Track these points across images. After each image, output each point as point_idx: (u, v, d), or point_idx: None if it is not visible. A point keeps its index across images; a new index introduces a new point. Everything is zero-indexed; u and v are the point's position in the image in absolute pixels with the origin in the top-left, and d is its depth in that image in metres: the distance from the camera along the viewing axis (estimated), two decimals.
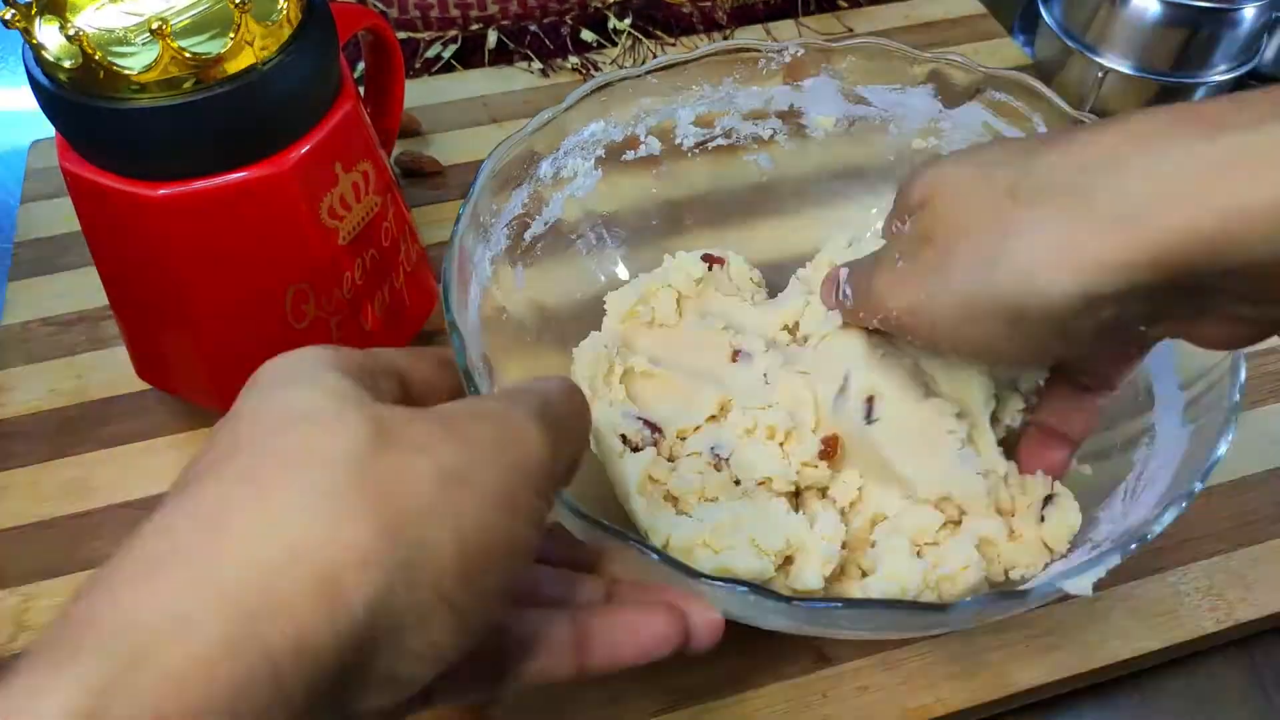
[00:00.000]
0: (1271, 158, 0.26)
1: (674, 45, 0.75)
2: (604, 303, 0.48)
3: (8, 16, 0.37)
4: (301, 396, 0.26)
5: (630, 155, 0.50)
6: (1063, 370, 0.39)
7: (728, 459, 0.41)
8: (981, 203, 0.32)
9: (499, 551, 0.25)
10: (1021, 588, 0.32)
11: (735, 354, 0.45)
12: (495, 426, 0.26)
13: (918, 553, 0.39)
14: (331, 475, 0.24)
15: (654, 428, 0.42)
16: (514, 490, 0.26)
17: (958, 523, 0.40)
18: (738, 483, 0.41)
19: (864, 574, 0.40)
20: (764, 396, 0.43)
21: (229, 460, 0.24)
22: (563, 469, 0.28)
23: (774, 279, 0.51)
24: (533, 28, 0.73)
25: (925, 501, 0.40)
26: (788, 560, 0.39)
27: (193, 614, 0.21)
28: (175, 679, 0.20)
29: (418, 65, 0.72)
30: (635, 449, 0.42)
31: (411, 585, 0.23)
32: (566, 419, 0.29)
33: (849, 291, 0.39)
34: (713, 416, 0.43)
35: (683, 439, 0.43)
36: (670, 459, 0.42)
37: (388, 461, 0.24)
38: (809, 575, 0.38)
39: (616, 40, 0.74)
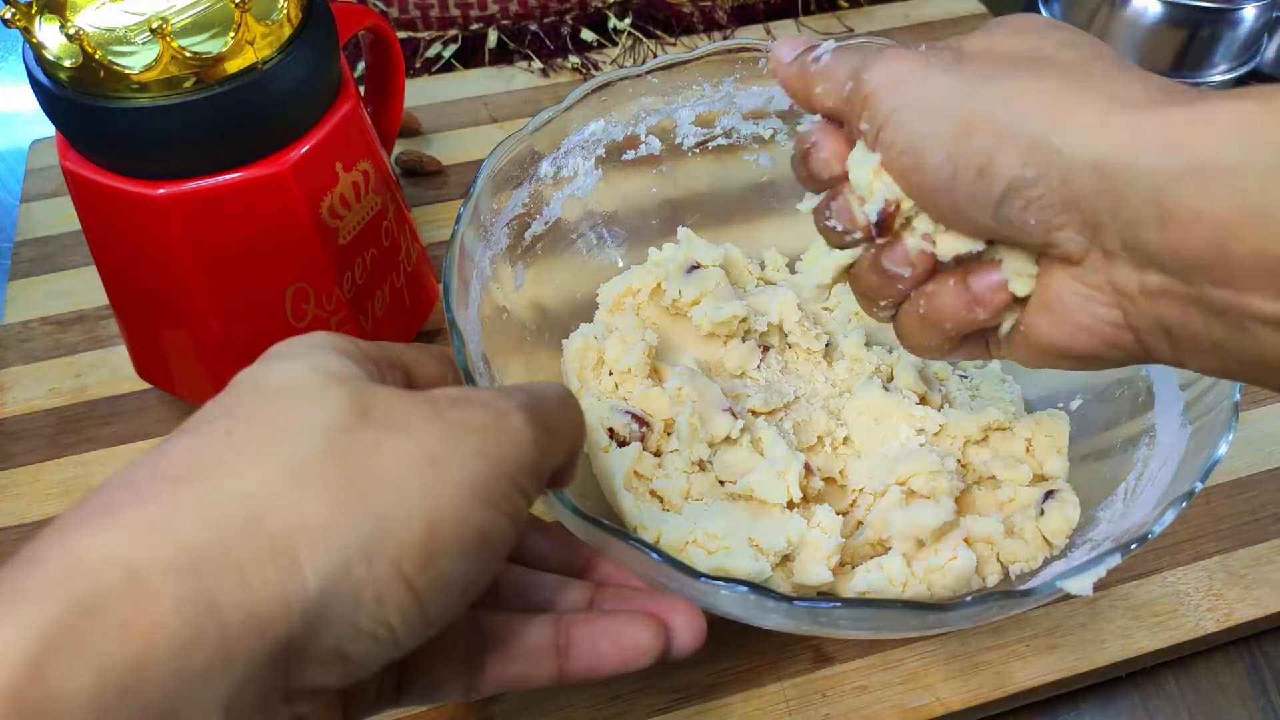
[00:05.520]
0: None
1: (674, 45, 0.75)
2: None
3: (8, 15, 0.37)
4: (292, 369, 0.26)
5: (630, 155, 0.50)
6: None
7: (710, 461, 0.41)
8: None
9: (469, 539, 0.25)
10: (1022, 588, 0.32)
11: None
12: (481, 414, 0.26)
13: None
14: (305, 445, 0.24)
15: (642, 421, 0.42)
16: (492, 479, 0.25)
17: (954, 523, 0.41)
18: (723, 483, 0.41)
19: (851, 567, 0.40)
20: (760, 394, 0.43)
21: (208, 423, 0.25)
22: (549, 469, 0.28)
23: (775, 279, 0.51)
24: (533, 27, 0.73)
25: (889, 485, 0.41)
26: (785, 558, 0.39)
27: (144, 565, 0.21)
28: (121, 631, 0.20)
29: (418, 65, 0.72)
30: (622, 443, 0.42)
31: (371, 562, 0.23)
32: (558, 420, 0.29)
33: (826, 59, 0.31)
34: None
35: (669, 433, 0.43)
36: (657, 453, 0.42)
37: (365, 436, 0.24)
38: (816, 568, 0.38)
39: (616, 40, 0.74)
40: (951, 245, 0.30)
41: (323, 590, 0.22)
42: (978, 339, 0.32)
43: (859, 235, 0.31)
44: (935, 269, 0.31)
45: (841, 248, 0.33)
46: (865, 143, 0.30)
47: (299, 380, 0.25)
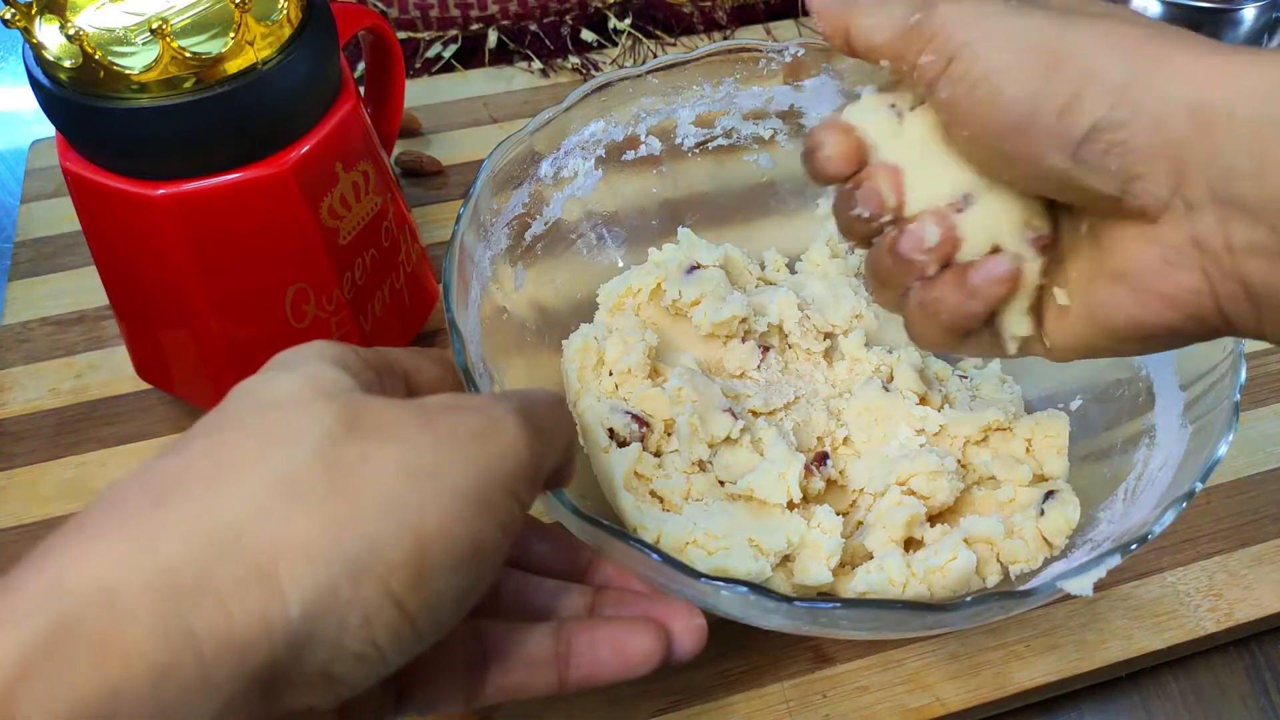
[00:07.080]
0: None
1: (674, 45, 0.75)
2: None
3: (8, 16, 0.37)
4: (283, 382, 0.26)
5: (630, 155, 0.50)
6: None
7: (710, 461, 0.41)
8: None
9: (461, 552, 0.24)
10: (1022, 588, 0.32)
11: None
12: (474, 419, 0.26)
13: (905, 545, 0.40)
14: (292, 459, 0.23)
15: (642, 422, 0.42)
16: (486, 487, 0.25)
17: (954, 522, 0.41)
18: (723, 483, 0.41)
19: (851, 567, 0.40)
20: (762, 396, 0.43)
21: (200, 437, 0.24)
22: (543, 473, 0.28)
23: (775, 279, 0.51)
24: (533, 27, 0.73)
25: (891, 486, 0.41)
26: (785, 559, 0.39)
27: (122, 588, 0.20)
28: (96, 658, 0.20)
29: (418, 65, 0.72)
30: (622, 444, 0.42)
31: (357, 582, 0.22)
32: (550, 423, 0.28)
33: None
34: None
35: (669, 434, 0.43)
36: (657, 454, 0.42)
37: (353, 449, 0.24)
38: (816, 569, 0.38)
39: (616, 40, 0.74)
40: (977, 247, 0.29)
41: (306, 614, 0.22)
42: (986, 335, 0.31)
43: (887, 218, 0.30)
44: (952, 257, 0.30)
45: (867, 238, 0.31)
46: (919, 83, 0.28)
47: (290, 394, 0.25)
